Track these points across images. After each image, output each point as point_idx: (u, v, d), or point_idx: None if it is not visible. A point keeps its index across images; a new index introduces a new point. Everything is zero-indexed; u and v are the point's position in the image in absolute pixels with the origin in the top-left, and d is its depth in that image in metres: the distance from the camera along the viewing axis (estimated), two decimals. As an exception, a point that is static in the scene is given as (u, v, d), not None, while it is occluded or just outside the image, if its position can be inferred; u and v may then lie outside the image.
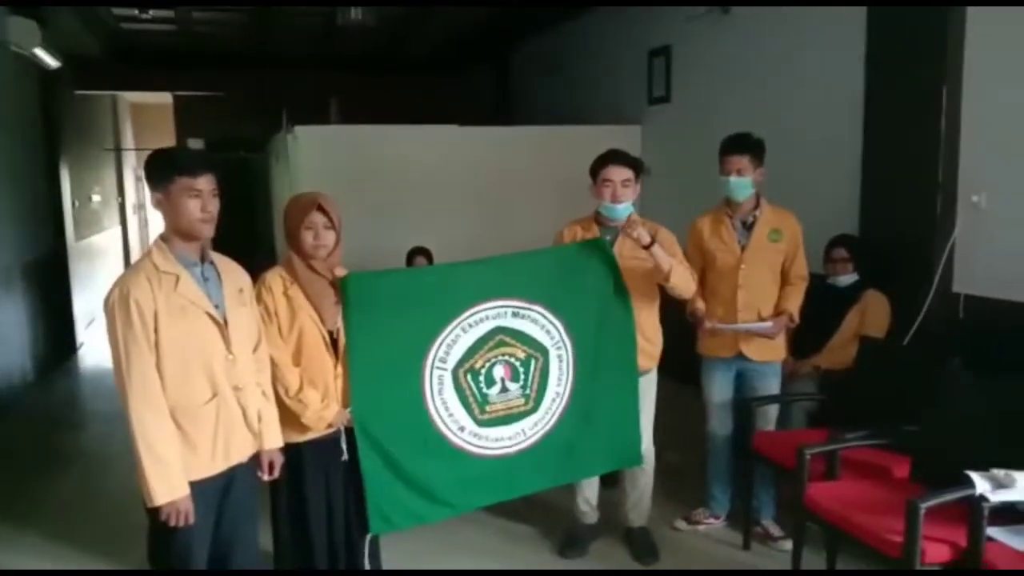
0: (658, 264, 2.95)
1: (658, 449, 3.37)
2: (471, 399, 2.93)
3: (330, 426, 2.67)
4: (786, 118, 4.56)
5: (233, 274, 2.39)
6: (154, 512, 2.17)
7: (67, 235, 7.41)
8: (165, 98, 10.20)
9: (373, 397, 2.73)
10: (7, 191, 5.91)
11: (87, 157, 9.09)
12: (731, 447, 3.52)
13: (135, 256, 11.36)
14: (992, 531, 2.27)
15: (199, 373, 2.22)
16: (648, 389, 3.25)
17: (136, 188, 12.97)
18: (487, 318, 2.92)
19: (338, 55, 8.81)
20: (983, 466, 2.35)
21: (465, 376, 2.92)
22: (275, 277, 2.63)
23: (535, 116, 7.69)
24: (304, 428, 2.63)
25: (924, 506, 2.26)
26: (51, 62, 6.39)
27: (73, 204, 7.78)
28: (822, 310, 3.65)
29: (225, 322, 2.27)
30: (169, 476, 2.14)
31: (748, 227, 3.35)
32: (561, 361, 3.07)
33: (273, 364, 2.53)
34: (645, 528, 3.40)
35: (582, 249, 3.12)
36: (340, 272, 2.71)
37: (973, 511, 2.25)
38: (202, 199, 2.20)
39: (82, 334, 7.77)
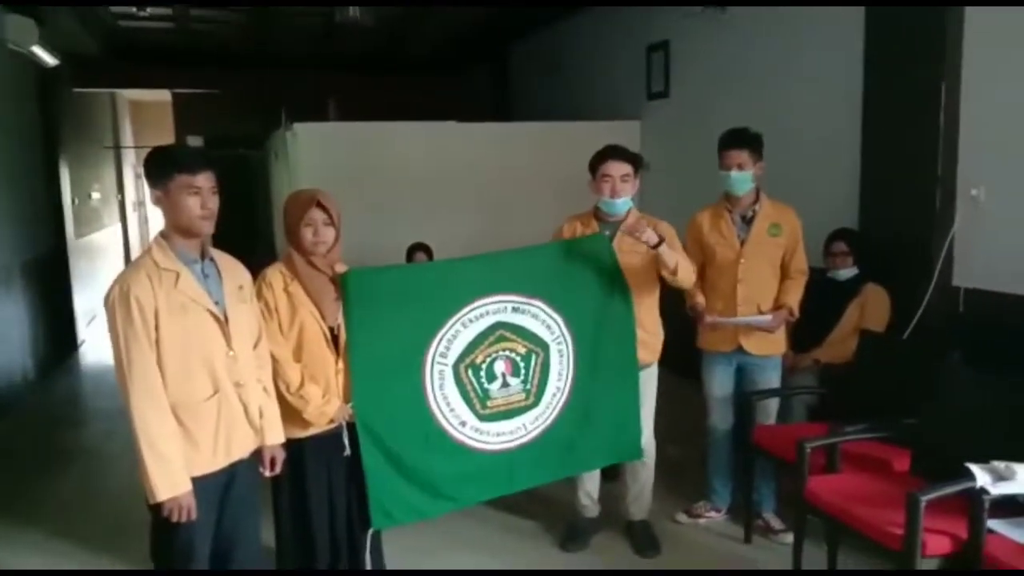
0: (664, 262, 2.96)
1: (659, 443, 3.38)
2: (472, 394, 2.94)
3: (332, 421, 2.68)
4: (785, 113, 4.56)
5: (233, 271, 2.40)
6: (156, 508, 2.18)
7: (67, 233, 7.41)
8: (164, 96, 10.19)
9: (374, 392, 2.74)
10: (6, 189, 5.90)
11: (86, 155, 9.08)
12: (732, 441, 3.53)
13: (135, 253, 11.34)
14: (992, 523, 2.28)
15: (200, 370, 2.23)
16: (649, 383, 3.25)
17: (136, 186, 12.96)
18: (487, 313, 2.93)
19: (337, 55, 8.80)
20: (983, 459, 2.36)
21: (466, 371, 2.92)
22: (275, 273, 2.64)
23: (534, 115, 7.68)
24: (306, 424, 2.64)
25: (925, 499, 2.26)
26: (49, 60, 6.38)
27: (73, 202, 7.78)
28: (822, 304, 3.66)
29: (226, 319, 2.28)
30: (171, 472, 2.14)
31: (748, 221, 3.35)
32: (561, 356, 3.07)
33: (274, 360, 2.54)
34: (646, 521, 3.40)
35: (582, 244, 3.12)
36: (340, 268, 2.72)
37: (973, 504, 2.25)
38: (201, 196, 2.21)
39: (83, 332, 7.78)
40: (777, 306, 3.35)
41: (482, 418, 2.96)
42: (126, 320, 2.13)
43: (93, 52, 8.28)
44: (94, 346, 7.56)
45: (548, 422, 3.07)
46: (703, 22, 5.23)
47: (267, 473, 2.48)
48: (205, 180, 2.22)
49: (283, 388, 2.56)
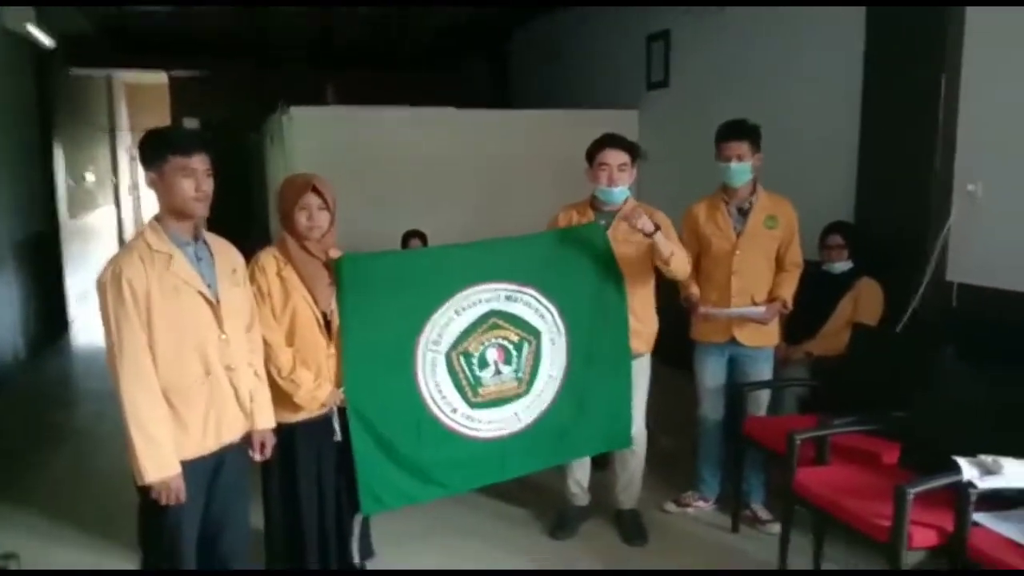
0: (659, 251, 2.96)
1: (649, 433, 3.39)
2: (464, 381, 2.94)
3: (323, 406, 2.68)
4: (784, 107, 4.55)
5: (226, 254, 2.39)
6: (145, 490, 2.17)
7: (60, 214, 7.39)
8: (160, 78, 10.13)
9: (366, 378, 2.74)
10: None
11: (81, 137, 9.04)
12: (722, 431, 3.54)
13: (129, 236, 11.32)
14: (978, 516, 2.29)
15: (191, 353, 2.22)
16: (641, 373, 3.26)
17: (130, 168, 12.88)
18: (481, 301, 2.93)
19: (336, 43, 8.74)
20: (971, 453, 2.37)
21: (458, 359, 2.92)
22: (268, 258, 2.63)
23: (533, 103, 7.66)
24: (296, 408, 2.64)
25: (912, 492, 2.27)
26: (45, 40, 6.35)
27: (67, 183, 7.75)
28: (816, 296, 3.67)
29: (218, 302, 2.27)
30: (160, 454, 2.14)
31: (744, 213, 3.35)
32: (554, 344, 3.08)
33: (266, 344, 2.53)
34: (635, 510, 3.42)
35: (577, 233, 3.12)
36: (334, 253, 2.71)
37: (960, 497, 2.26)
38: (196, 178, 2.20)
39: (75, 312, 7.76)
40: (771, 298, 3.35)
41: (473, 406, 2.97)
42: (118, 302, 2.12)
43: (89, 33, 8.21)
44: (85, 327, 7.54)
45: (540, 410, 3.08)
46: (703, 16, 5.21)
47: (257, 457, 2.48)
48: (200, 162, 2.21)
49: (275, 372, 2.56)
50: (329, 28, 8.15)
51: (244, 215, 8.33)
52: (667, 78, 5.76)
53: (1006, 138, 3.37)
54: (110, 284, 2.13)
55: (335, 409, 2.72)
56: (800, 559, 2.92)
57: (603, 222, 3.13)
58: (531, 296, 3.01)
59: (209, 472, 2.31)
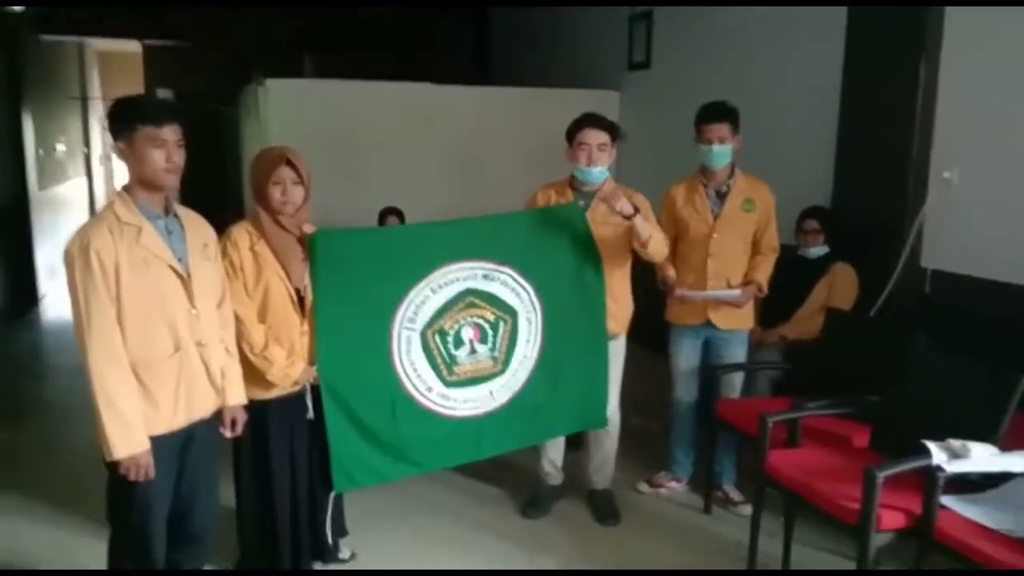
0: (637, 234, 2.95)
1: (624, 414, 3.40)
2: (439, 360, 2.93)
3: (296, 384, 2.65)
4: (765, 90, 4.55)
5: (198, 228, 2.34)
6: (113, 466, 2.14)
7: (29, 185, 7.23)
8: (134, 47, 9.91)
9: (340, 356, 2.72)
10: (-34, 137, 5.74)
11: (52, 105, 8.83)
12: (696, 413, 3.56)
13: (101, 208, 11.13)
14: (945, 500, 2.32)
15: (161, 327, 2.19)
16: (616, 354, 3.26)
17: (102, 138, 12.62)
18: (457, 280, 2.91)
19: (314, 16, 8.59)
20: (941, 437, 2.40)
21: (433, 337, 2.91)
22: (241, 232, 2.59)
23: (514, 77, 7.59)
24: (269, 385, 2.61)
25: (882, 475, 2.30)
26: (13, 5, 6.17)
27: (36, 153, 7.58)
28: (791, 281, 3.68)
29: (188, 276, 2.23)
30: (129, 430, 2.11)
31: (722, 196, 3.35)
32: (530, 324, 3.07)
33: (238, 320, 2.50)
34: (608, 490, 3.43)
35: (555, 213, 3.10)
36: (308, 229, 2.67)
37: (928, 480, 2.29)
38: (166, 149, 2.15)
39: (44, 286, 7.63)
40: (746, 281, 3.36)
41: (449, 384, 2.96)
42: (86, 274, 2.07)
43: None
44: (55, 300, 7.42)
45: (515, 390, 3.08)
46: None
47: (228, 434, 2.45)
48: (171, 132, 2.16)
49: (247, 349, 2.53)
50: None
51: (218, 189, 8.22)
52: (649, 59, 5.73)
53: (983, 126, 3.39)
54: (78, 255, 2.08)
55: (308, 387, 2.69)
56: (771, 540, 2.95)
57: (582, 202, 3.12)
58: (508, 275, 2.99)
59: (179, 448, 2.28)
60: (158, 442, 2.18)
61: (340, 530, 2.96)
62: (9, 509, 3.41)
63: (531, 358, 3.09)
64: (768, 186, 3.40)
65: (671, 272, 3.39)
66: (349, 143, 5.35)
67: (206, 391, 2.31)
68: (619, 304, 3.21)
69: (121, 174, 2.21)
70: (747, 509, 3.23)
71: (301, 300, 2.63)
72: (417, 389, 2.91)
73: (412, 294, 2.84)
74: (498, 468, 3.58)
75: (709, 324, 3.40)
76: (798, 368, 3.55)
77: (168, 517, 2.29)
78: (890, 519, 2.33)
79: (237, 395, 2.43)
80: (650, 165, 5.19)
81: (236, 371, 2.44)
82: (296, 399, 2.68)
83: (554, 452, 3.42)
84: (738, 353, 3.47)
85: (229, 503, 2.72)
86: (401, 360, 2.86)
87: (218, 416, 2.40)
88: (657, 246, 3.02)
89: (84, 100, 11.32)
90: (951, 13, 3.50)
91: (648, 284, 3.45)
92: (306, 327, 2.65)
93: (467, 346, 2.97)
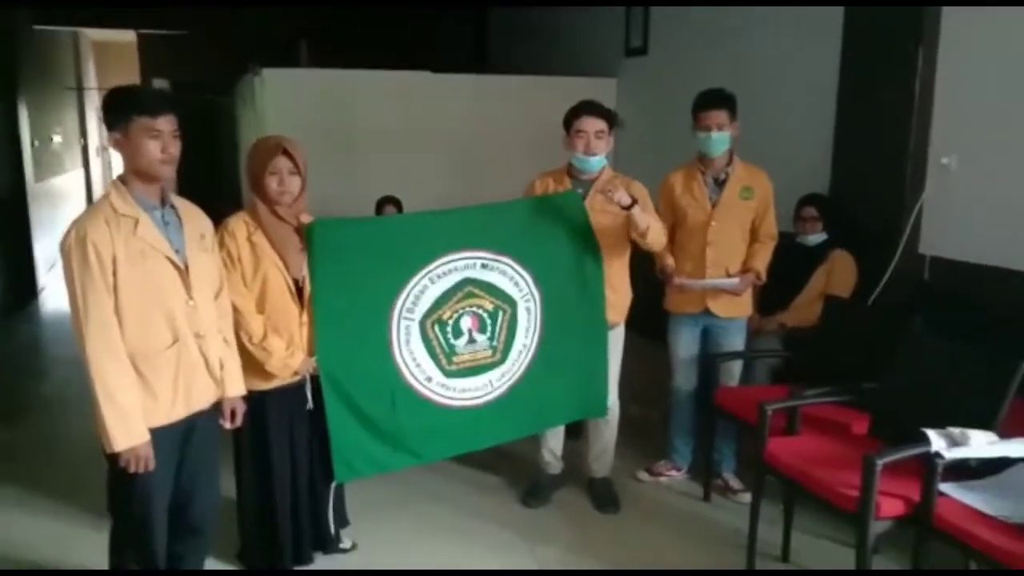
0: (636, 224, 2.94)
1: (623, 402, 3.40)
2: (438, 350, 2.93)
3: (295, 374, 2.65)
4: (762, 77, 4.53)
5: (195, 219, 2.34)
6: (113, 458, 2.14)
7: (26, 177, 7.20)
8: (129, 36, 9.86)
9: (339, 346, 2.71)
10: (-39, 129, 5.71)
11: (47, 96, 8.80)
12: (695, 401, 3.56)
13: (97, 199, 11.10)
14: (944, 487, 2.32)
15: (159, 319, 2.18)
16: (615, 343, 3.26)
17: (99, 129, 12.60)
18: (455, 269, 2.90)
19: (311, 4, 8.54)
20: (940, 424, 2.40)
21: (432, 327, 2.90)
22: (238, 223, 2.58)
23: (511, 65, 7.56)
24: (268, 376, 2.61)
25: (881, 462, 2.30)
26: (8, -4, 6.13)
27: (32, 144, 7.55)
28: (789, 268, 3.68)
29: (186, 267, 2.23)
30: (128, 422, 2.11)
31: (720, 184, 3.34)
32: (529, 313, 3.07)
33: (236, 311, 2.49)
34: (607, 479, 3.44)
35: (553, 201, 3.09)
36: (306, 219, 2.66)
37: (927, 467, 2.29)
38: (162, 140, 2.14)
39: (43, 278, 7.62)
40: (745, 269, 3.36)
41: (448, 374, 2.96)
42: (83, 266, 2.07)
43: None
44: (54, 293, 7.41)
45: (514, 379, 3.08)
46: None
47: (227, 425, 2.45)
48: (166, 123, 2.15)
49: (245, 340, 2.53)
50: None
51: (215, 179, 8.19)
52: (646, 46, 5.70)
53: (981, 112, 3.38)
54: (75, 248, 2.07)
55: (308, 377, 2.69)
56: (770, 528, 2.96)
57: (580, 190, 3.11)
58: (507, 264, 2.99)
59: (178, 440, 2.28)
60: (157, 434, 2.18)
61: (341, 520, 2.97)
62: (8, 501, 3.41)
63: (530, 348, 3.08)
64: (766, 173, 3.39)
65: (669, 261, 3.38)
66: (346, 132, 5.33)
67: (205, 382, 2.31)
68: (618, 294, 3.20)
69: (119, 165, 2.20)
70: (746, 497, 3.23)
71: (300, 291, 2.63)
72: (416, 379, 2.91)
73: (411, 284, 2.84)
74: (498, 457, 3.58)
75: (708, 312, 3.39)
76: (797, 356, 3.54)
77: (169, 508, 2.30)
78: (889, 506, 2.34)
79: (236, 386, 2.43)
80: (648, 152, 5.17)
81: (235, 362, 2.43)
82: (296, 390, 2.68)
83: (554, 441, 3.42)
84: (737, 341, 3.47)
85: (230, 494, 2.72)
86: (400, 350, 2.86)
87: (217, 407, 2.40)
88: (655, 236, 3.01)
89: (80, 90, 11.27)
90: (948, 6, 3.48)
91: (647, 273, 3.44)
92: (305, 318, 2.65)
93: (466, 336, 2.97)
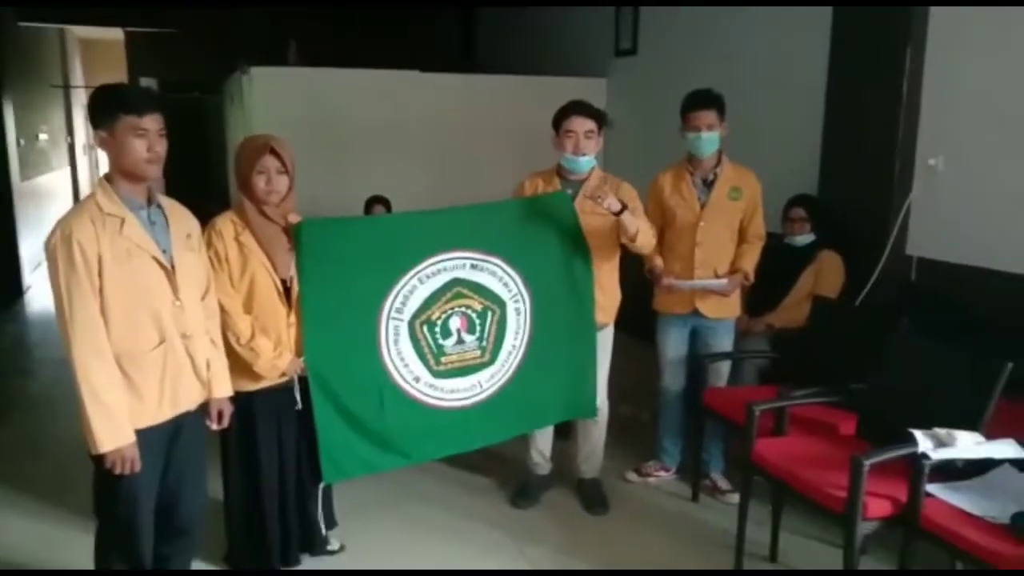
0: (625, 228, 2.94)
1: (612, 403, 3.40)
2: (427, 350, 2.92)
3: (283, 375, 2.64)
4: (751, 77, 4.54)
5: (181, 219, 2.32)
6: (99, 460, 2.13)
7: (11, 175, 7.14)
8: (117, 34, 9.80)
9: (327, 346, 2.70)
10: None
11: (33, 94, 8.73)
12: (683, 402, 3.57)
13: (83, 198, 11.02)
14: (931, 487, 2.33)
15: (145, 319, 2.17)
16: (604, 344, 3.26)
17: (86, 127, 12.52)
18: (444, 269, 2.90)
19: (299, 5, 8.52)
20: (926, 424, 2.41)
21: (421, 327, 2.89)
22: (226, 222, 2.56)
23: (500, 64, 7.56)
24: (256, 376, 2.59)
25: (868, 463, 2.30)
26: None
27: (18, 143, 7.49)
28: (778, 269, 3.69)
29: (172, 267, 2.21)
30: (114, 423, 2.09)
31: (708, 184, 3.35)
32: (519, 314, 3.06)
33: (223, 312, 2.48)
34: (596, 479, 3.44)
35: (543, 202, 3.09)
36: (294, 218, 2.65)
37: (914, 468, 2.30)
38: (148, 139, 2.12)
39: (29, 278, 7.57)
40: (733, 270, 3.37)
41: (436, 374, 2.95)
42: (68, 266, 2.05)
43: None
44: (40, 293, 7.36)
45: (503, 380, 3.07)
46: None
47: (214, 426, 2.43)
48: (152, 122, 2.13)
49: (233, 340, 2.51)
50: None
51: (203, 178, 8.15)
52: (635, 46, 5.71)
53: (968, 113, 3.40)
54: (60, 247, 2.06)
55: (296, 378, 2.68)
56: (759, 528, 2.96)
57: (569, 191, 3.10)
58: (496, 265, 2.98)
59: (165, 441, 2.27)
60: (144, 435, 2.16)
61: (329, 521, 2.95)
62: (-6, 503, 3.39)
63: (520, 348, 3.08)
64: (755, 174, 3.39)
65: (658, 261, 3.38)
66: (334, 131, 5.31)
67: (191, 383, 2.29)
68: (607, 295, 3.20)
69: (106, 164, 2.19)
70: (735, 497, 3.24)
71: (288, 291, 2.62)
72: (405, 379, 2.90)
73: (400, 284, 2.83)
74: (487, 458, 3.57)
75: (696, 313, 3.40)
76: (785, 356, 3.55)
77: (155, 510, 2.28)
78: (876, 507, 2.35)
79: (223, 387, 2.41)
80: (637, 152, 5.18)
81: (222, 363, 2.42)
82: (284, 390, 2.67)
83: (543, 442, 3.42)
84: (725, 342, 3.48)
85: (217, 495, 2.70)
86: (389, 350, 2.85)
87: (204, 408, 2.38)
88: (645, 239, 3.01)
89: (67, 88, 11.19)
90: (936, 6, 3.50)
91: (635, 273, 3.45)
92: (293, 318, 2.63)
93: (454, 336, 2.96)
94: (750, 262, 3.37)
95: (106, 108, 2.12)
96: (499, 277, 3.00)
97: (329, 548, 2.96)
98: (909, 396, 2.68)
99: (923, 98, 3.59)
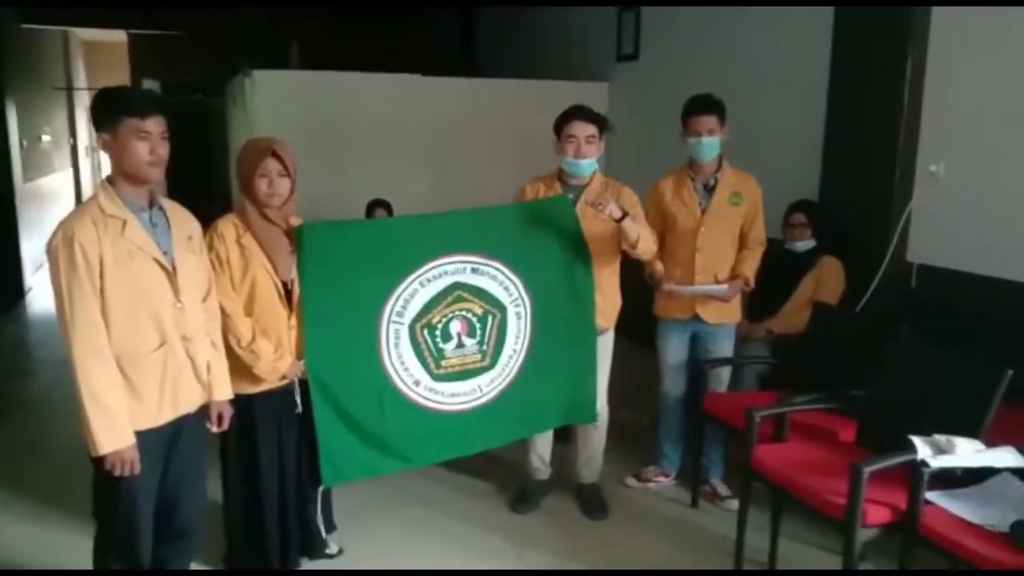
0: (626, 235, 2.94)
1: (612, 408, 3.40)
2: (427, 353, 2.92)
3: (283, 378, 2.64)
4: (753, 83, 4.55)
5: (183, 221, 2.32)
6: (99, 462, 2.13)
7: (14, 177, 7.15)
8: (120, 36, 9.82)
9: (328, 349, 2.70)
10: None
11: (36, 96, 8.75)
12: (683, 407, 3.57)
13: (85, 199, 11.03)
14: (931, 495, 2.33)
15: (146, 321, 2.17)
16: (604, 349, 3.26)
17: (89, 129, 12.54)
18: (445, 273, 2.90)
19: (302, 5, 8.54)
20: (926, 431, 2.41)
21: (422, 331, 2.89)
22: (227, 225, 2.57)
23: (502, 68, 7.57)
24: (257, 379, 2.59)
25: (868, 470, 2.30)
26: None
27: (21, 144, 7.51)
28: (778, 275, 3.69)
29: (174, 270, 2.21)
30: (114, 425, 2.09)
31: (709, 190, 3.35)
32: (519, 318, 3.06)
33: (224, 314, 2.48)
34: (596, 485, 3.44)
35: (544, 206, 3.09)
36: (295, 221, 2.65)
37: (914, 476, 2.30)
38: (151, 141, 2.13)
39: (30, 279, 7.57)
40: (733, 275, 3.37)
41: (436, 378, 2.95)
42: (69, 267, 2.05)
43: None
44: (41, 294, 7.36)
45: (504, 384, 3.07)
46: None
47: (214, 429, 2.44)
48: (155, 125, 2.14)
49: (234, 343, 2.51)
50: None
51: (205, 180, 8.16)
52: (637, 51, 5.72)
53: (969, 120, 3.41)
54: (61, 248, 2.06)
55: (296, 381, 2.68)
56: (758, 535, 2.96)
57: (570, 195, 3.11)
58: (496, 269, 2.98)
59: (165, 443, 2.27)
60: (143, 437, 2.16)
61: (329, 525, 2.95)
62: (-6, 504, 3.39)
63: (520, 353, 3.08)
64: (755, 179, 3.40)
65: (659, 266, 3.38)
66: (336, 135, 5.31)
67: (192, 386, 2.30)
68: (607, 300, 3.20)
69: (108, 165, 2.20)
70: (734, 503, 3.24)
71: (288, 293, 2.62)
72: (404, 383, 2.90)
73: (401, 287, 2.83)
74: (487, 462, 3.57)
75: (697, 318, 3.40)
76: (785, 362, 3.55)
77: (154, 512, 2.28)
78: (876, 514, 2.34)
79: (223, 390, 2.41)
80: (639, 157, 5.19)
81: (222, 366, 2.42)
82: (284, 393, 2.67)
83: (542, 447, 3.42)
84: (725, 347, 3.48)
85: (216, 498, 2.70)
86: (389, 354, 2.85)
87: (204, 411, 2.39)
88: (646, 245, 3.01)
89: (69, 90, 11.21)
90: (937, 11, 3.51)
91: (636, 278, 3.45)
92: (294, 321, 2.64)
93: (455, 340, 2.96)
94: (751, 267, 3.37)
95: (109, 111, 2.12)
96: (500, 281, 3.00)
97: (328, 551, 2.96)
98: (909, 403, 2.68)
99: (924, 104, 3.59)
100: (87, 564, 2.38)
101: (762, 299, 3.74)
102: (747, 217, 3.37)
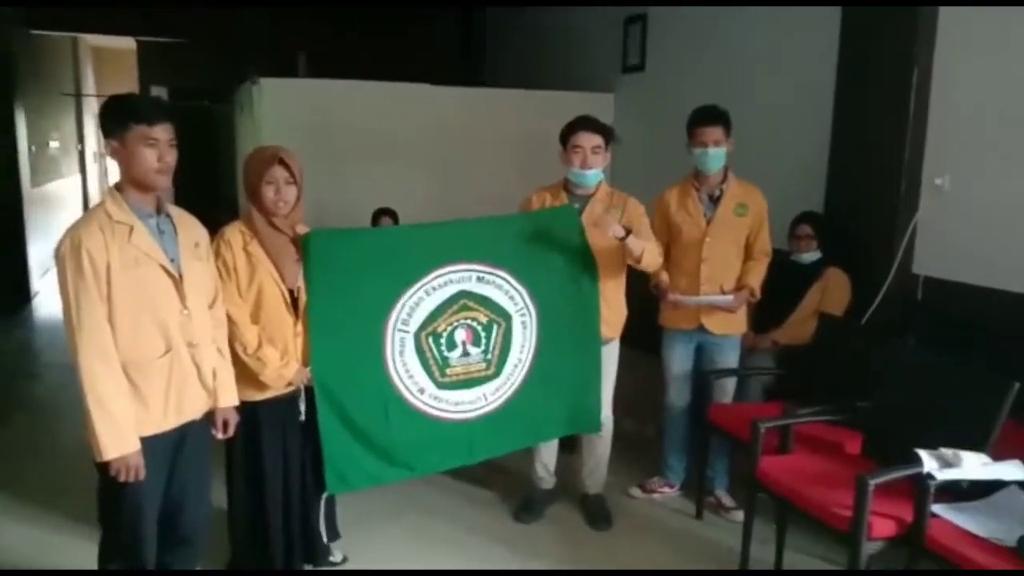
0: (630, 251, 2.95)
1: (617, 418, 3.39)
2: (431, 362, 2.92)
3: (290, 385, 2.64)
4: (759, 94, 4.55)
5: (190, 228, 2.33)
6: (103, 467, 2.13)
7: (22, 182, 7.19)
8: (128, 43, 9.87)
9: (333, 357, 2.70)
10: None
11: (45, 102, 8.79)
12: (688, 418, 3.56)
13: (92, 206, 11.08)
14: (937, 508, 2.32)
15: (152, 327, 2.17)
16: (609, 359, 3.26)
17: (97, 135, 12.59)
18: (451, 282, 2.90)
19: (308, 13, 8.58)
20: (932, 444, 2.40)
21: (427, 339, 2.90)
22: (234, 232, 2.58)
23: (502, 70, 7.59)
24: (262, 386, 2.60)
25: (873, 482, 2.30)
26: (5, 4, 6.13)
27: (29, 150, 7.55)
28: (784, 286, 3.69)
29: (180, 276, 2.22)
30: (119, 431, 2.10)
31: (715, 200, 3.35)
32: (525, 328, 3.06)
33: (230, 321, 2.48)
34: (600, 495, 3.43)
35: (550, 216, 3.10)
36: (301, 229, 2.66)
37: (920, 488, 2.29)
38: (158, 149, 2.14)
39: (37, 283, 7.60)
40: (739, 286, 3.36)
41: (441, 386, 2.95)
42: (76, 273, 2.06)
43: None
44: (48, 298, 7.39)
45: (509, 393, 3.07)
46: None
47: (220, 436, 2.44)
48: (163, 132, 2.15)
49: (240, 350, 2.51)
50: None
51: (212, 188, 8.18)
52: (643, 62, 5.73)
53: (975, 133, 3.40)
54: (69, 254, 2.07)
55: (302, 388, 2.68)
56: (763, 547, 2.95)
57: (576, 205, 3.11)
58: (502, 278, 2.99)
59: (170, 449, 2.27)
60: (148, 443, 2.17)
61: (332, 532, 2.95)
62: (-2, 508, 3.39)
63: (525, 362, 3.08)
64: (761, 190, 3.40)
65: (664, 277, 3.38)
66: (343, 143, 5.33)
67: (197, 392, 2.30)
68: (612, 310, 3.20)
69: (116, 171, 2.21)
70: (739, 515, 3.22)
71: (295, 301, 2.62)
72: (409, 391, 2.90)
73: (406, 296, 2.83)
74: (491, 471, 3.57)
75: (702, 329, 3.39)
76: (790, 373, 3.55)
77: (159, 519, 2.28)
78: (881, 527, 2.33)
79: (229, 397, 2.42)
80: (645, 168, 5.18)
81: (228, 372, 2.42)
82: (289, 400, 2.67)
83: (547, 456, 3.41)
84: (731, 358, 3.47)
85: (221, 504, 2.70)
86: (394, 362, 2.85)
87: (209, 417, 2.39)
88: (650, 258, 3.02)
89: (78, 96, 11.27)
90: (943, 24, 3.51)
91: (641, 288, 3.45)
92: (300, 328, 2.64)
93: (460, 348, 2.96)
94: (756, 278, 3.37)
95: (117, 118, 2.14)
96: (505, 290, 3.00)
97: (331, 559, 2.95)
98: (915, 415, 2.67)
99: (930, 117, 3.59)
100: (87, 566, 2.39)
101: (768, 310, 3.74)
102: (752, 228, 3.37)
